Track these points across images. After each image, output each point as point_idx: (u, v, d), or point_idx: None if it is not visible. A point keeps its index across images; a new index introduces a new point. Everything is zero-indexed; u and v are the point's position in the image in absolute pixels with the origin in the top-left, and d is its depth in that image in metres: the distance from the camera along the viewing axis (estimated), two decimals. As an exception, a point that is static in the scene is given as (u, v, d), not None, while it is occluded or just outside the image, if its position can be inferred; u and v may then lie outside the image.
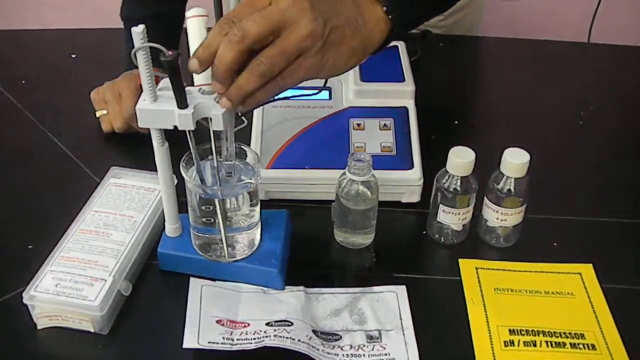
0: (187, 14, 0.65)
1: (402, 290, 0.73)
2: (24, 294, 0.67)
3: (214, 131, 0.66)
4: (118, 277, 0.69)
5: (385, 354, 0.67)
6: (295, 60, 0.61)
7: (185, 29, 0.65)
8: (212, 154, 0.68)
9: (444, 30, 1.23)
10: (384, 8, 0.66)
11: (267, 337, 0.66)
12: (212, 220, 0.70)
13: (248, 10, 0.60)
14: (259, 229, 0.74)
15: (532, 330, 0.69)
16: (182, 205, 0.73)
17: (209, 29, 0.64)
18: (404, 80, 0.90)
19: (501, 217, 0.77)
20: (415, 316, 0.70)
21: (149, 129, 0.66)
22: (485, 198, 0.78)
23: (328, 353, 0.66)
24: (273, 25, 0.60)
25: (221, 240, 0.71)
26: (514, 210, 0.76)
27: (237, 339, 0.67)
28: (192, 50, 0.65)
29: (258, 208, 0.73)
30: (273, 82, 0.62)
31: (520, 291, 0.74)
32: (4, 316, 0.70)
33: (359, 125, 0.86)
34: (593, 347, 0.68)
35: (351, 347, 0.67)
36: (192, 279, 0.73)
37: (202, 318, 0.69)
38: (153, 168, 0.70)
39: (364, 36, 0.65)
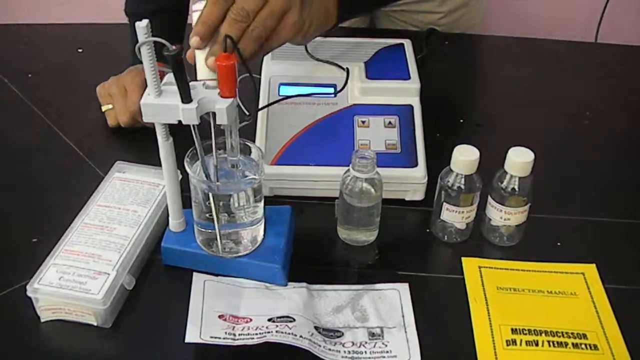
0: (193, 7, 0.65)
1: (404, 287, 0.73)
2: (27, 287, 0.67)
3: (218, 127, 0.66)
4: (121, 271, 0.70)
5: (387, 351, 0.67)
6: (281, 20, 0.71)
7: (190, 24, 0.66)
8: (216, 149, 0.68)
9: (443, 28, 1.22)
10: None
11: (269, 332, 0.66)
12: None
13: None
14: (263, 225, 0.74)
15: (534, 330, 0.69)
16: (186, 200, 0.73)
17: None
18: (409, 78, 0.90)
19: (505, 216, 0.77)
20: (417, 314, 0.70)
21: (154, 124, 0.67)
22: (489, 197, 0.78)
23: (330, 349, 0.66)
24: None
25: (224, 236, 0.72)
26: (517, 210, 0.76)
27: (239, 334, 0.67)
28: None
29: (262, 204, 0.73)
30: (266, 43, 0.71)
31: (523, 290, 0.74)
32: (8, 309, 0.70)
33: (363, 122, 0.86)
34: (595, 347, 0.68)
35: (353, 344, 0.67)
36: (195, 274, 0.73)
37: (205, 313, 0.69)
38: (157, 163, 0.70)
39: (327, 3, 0.79)
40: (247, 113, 0.69)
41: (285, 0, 0.70)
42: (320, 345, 0.66)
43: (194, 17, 0.66)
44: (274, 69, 0.92)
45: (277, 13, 0.70)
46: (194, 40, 0.66)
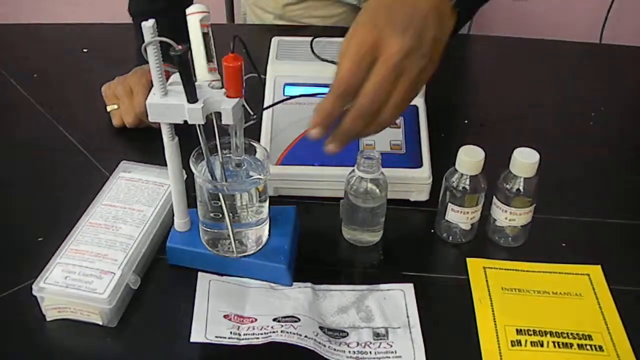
0: (188, 10, 0.65)
1: (409, 288, 0.73)
2: (33, 286, 0.67)
3: (223, 126, 0.66)
4: (127, 271, 0.70)
5: (392, 352, 0.67)
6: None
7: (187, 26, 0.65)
8: (221, 149, 0.69)
9: None
10: (453, 2, 0.67)
11: (274, 332, 0.66)
12: (221, 216, 0.70)
13: (359, 72, 0.62)
14: (268, 225, 0.74)
15: (539, 331, 0.69)
16: (191, 200, 0.73)
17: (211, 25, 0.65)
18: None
19: (510, 217, 0.77)
20: (422, 314, 0.70)
21: (159, 123, 0.67)
22: (494, 197, 0.78)
23: (335, 350, 0.66)
24: (395, 79, 0.62)
25: (229, 235, 0.72)
26: (522, 210, 0.76)
27: (244, 334, 0.67)
28: (194, 49, 0.65)
29: (267, 204, 0.73)
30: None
31: (528, 291, 0.74)
32: (14, 308, 0.70)
33: (368, 123, 0.86)
34: (600, 348, 0.67)
35: (358, 344, 0.67)
36: (200, 274, 0.73)
37: (210, 312, 0.69)
38: (163, 162, 0.70)
39: (442, 42, 0.66)
40: (252, 113, 0.69)
41: (416, 66, 0.63)
42: (325, 346, 0.66)
43: (189, 21, 0.65)
44: (279, 69, 0.92)
45: (406, 101, 0.65)
46: (315, 132, 0.64)
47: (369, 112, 0.63)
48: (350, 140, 0.66)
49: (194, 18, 0.65)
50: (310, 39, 0.95)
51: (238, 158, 0.70)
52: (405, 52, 0.61)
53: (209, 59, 0.66)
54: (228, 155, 0.70)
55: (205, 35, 0.65)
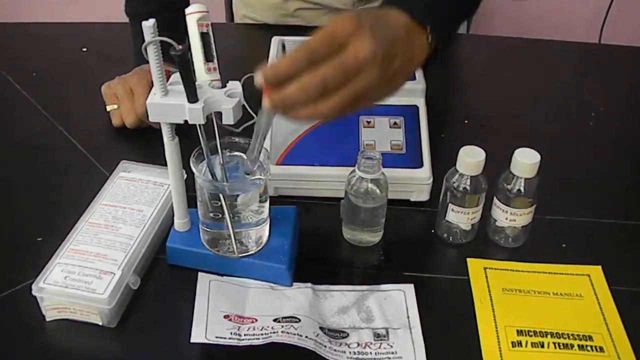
0: (187, 10, 0.65)
1: (409, 288, 0.73)
2: (33, 286, 0.67)
3: (223, 126, 0.66)
4: (127, 271, 0.70)
5: (392, 352, 0.67)
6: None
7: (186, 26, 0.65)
8: (222, 149, 0.68)
9: None
10: (429, 39, 0.67)
11: (274, 333, 0.66)
12: (221, 216, 0.70)
13: (327, 47, 0.59)
14: (268, 225, 0.74)
15: (539, 331, 0.69)
16: (191, 200, 0.73)
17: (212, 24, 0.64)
18: (414, 78, 0.90)
19: (510, 217, 0.77)
20: (422, 315, 0.70)
21: (160, 123, 0.67)
22: (494, 198, 0.78)
23: (335, 350, 0.66)
24: (349, 76, 0.60)
25: (229, 235, 0.71)
26: (523, 211, 0.76)
27: (244, 334, 0.67)
28: (193, 48, 0.65)
29: (267, 204, 0.73)
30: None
31: (529, 292, 0.74)
32: (14, 308, 0.70)
33: (369, 122, 0.86)
34: (601, 349, 0.67)
35: (358, 344, 0.67)
36: (200, 274, 0.73)
37: (210, 313, 0.69)
38: (163, 162, 0.70)
39: (409, 72, 0.68)
40: (253, 114, 0.69)
41: (372, 79, 0.60)
42: (325, 346, 0.66)
43: (188, 20, 0.65)
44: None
45: (359, 93, 0.61)
46: (258, 78, 0.59)
47: (315, 89, 0.59)
48: (280, 107, 0.61)
49: (192, 17, 0.64)
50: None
51: (249, 168, 0.68)
52: (373, 57, 0.60)
53: (209, 59, 0.65)
54: (228, 155, 0.70)
55: (205, 35, 0.64)
